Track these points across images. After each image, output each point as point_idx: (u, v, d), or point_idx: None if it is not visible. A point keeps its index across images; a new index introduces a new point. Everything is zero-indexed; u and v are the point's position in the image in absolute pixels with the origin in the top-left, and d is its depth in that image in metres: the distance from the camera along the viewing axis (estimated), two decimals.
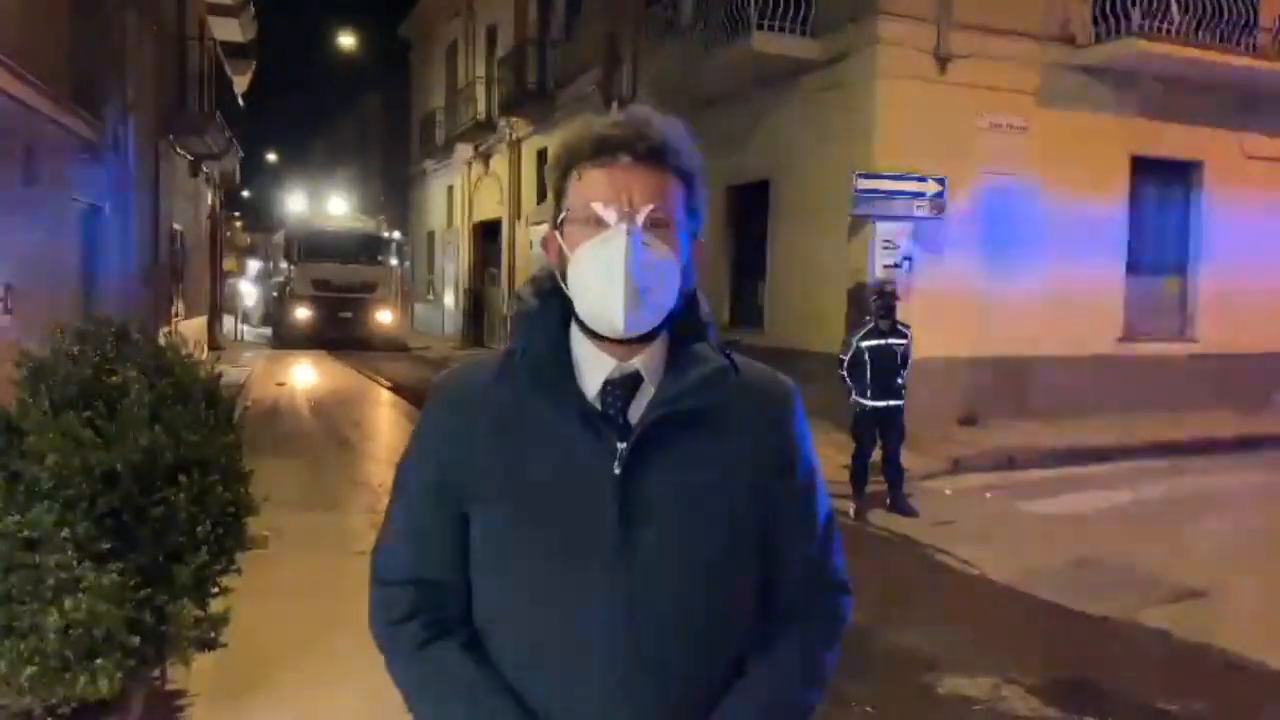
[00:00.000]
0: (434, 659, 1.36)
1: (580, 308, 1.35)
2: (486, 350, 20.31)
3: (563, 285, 1.37)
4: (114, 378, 3.60)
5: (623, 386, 1.36)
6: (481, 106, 24.44)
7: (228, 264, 32.16)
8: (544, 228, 1.46)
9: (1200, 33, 11.83)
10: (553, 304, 1.40)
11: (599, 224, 1.32)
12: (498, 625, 1.37)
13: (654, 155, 1.33)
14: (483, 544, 1.37)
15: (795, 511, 1.44)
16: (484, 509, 1.36)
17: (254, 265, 39.70)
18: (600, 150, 1.33)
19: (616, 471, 1.31)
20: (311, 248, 25.92)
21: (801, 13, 11.80)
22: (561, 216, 1.37)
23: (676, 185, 1.35)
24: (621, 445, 1.32)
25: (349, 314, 25.41)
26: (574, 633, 1.31)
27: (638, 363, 1.36)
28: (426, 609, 1.39)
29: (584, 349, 1.37)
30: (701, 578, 1.34)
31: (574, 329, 1.39)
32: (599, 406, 1.35)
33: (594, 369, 1.36)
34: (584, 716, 1.31)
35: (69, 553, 3.23)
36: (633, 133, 1.33)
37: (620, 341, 1.34)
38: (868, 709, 4.32)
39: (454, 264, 28.41)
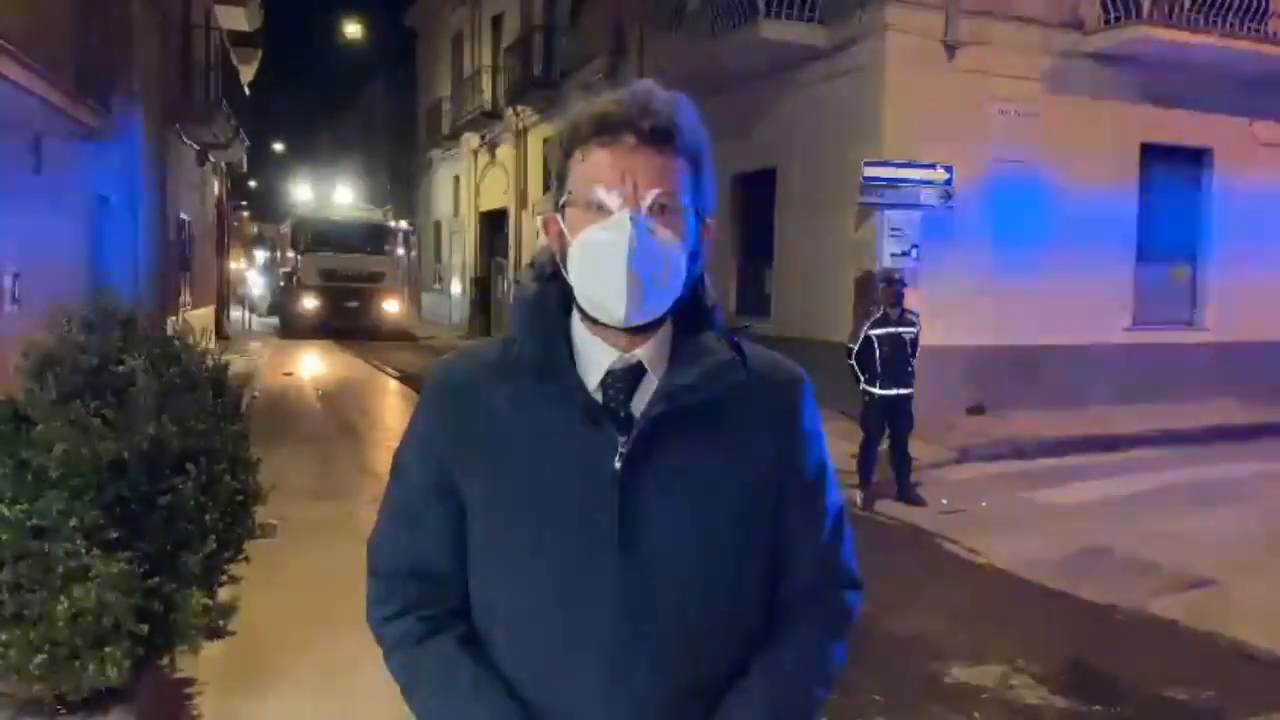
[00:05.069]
0: (430, 655, 1.34)
1: (581, 296, 1.29)
2: (492, 337, 20.31)
3: (563, 270, 1.31)
4: (121, 367, 3.60)
5: (625, 378, 1.31)
6: (487, 95, 24.41)
7: (234, 255, 32.20)
8: None
9: (1210, 18, 11.73)
10: (552, 290, 1.34)
11: (601, 209, 1.26)
12: (496, 620, 1.34)
13: (659, 135, 1.26)
14: (480, 538, 1.34)
15: (804, 506, 1.39)
16: (481, 502, 1.33)
17: (261, 255, 39.77)
18: (602, 129, 1.27)
19: (617, 466, 1.27)
20: (318, 237, 25.97)
21: None
22: (563, 199, 1.31)
23: (683, 166, 1.29)
24: (622, 439, 1.28)
25: (356, 303, 25.46)
26: (574, 629, 1.28)
27: (641, 353, 1.31)
28: (423, 603, 1.36)
29: (585, 337, 1.32)
30: (704, 574, 1.30)
31: (574, 316, 1.33)
32: (600, 398, 1.30)
33: (595, 359, 1.31)
34: (584, 713, 1.28)
35: (77, 541, 3.24)
36: (637, 111, 1.27)
37: (623, 330, 1.29)
38: (875, 698, 4.31)
39: (460, 253, 28.43)
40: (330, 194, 33.38)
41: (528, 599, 1.30)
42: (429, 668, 1.34)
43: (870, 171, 10.81)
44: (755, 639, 1.36)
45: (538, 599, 1.30)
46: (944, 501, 8.03)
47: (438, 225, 31.65)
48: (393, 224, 28.72)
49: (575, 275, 1.29)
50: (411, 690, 1.37)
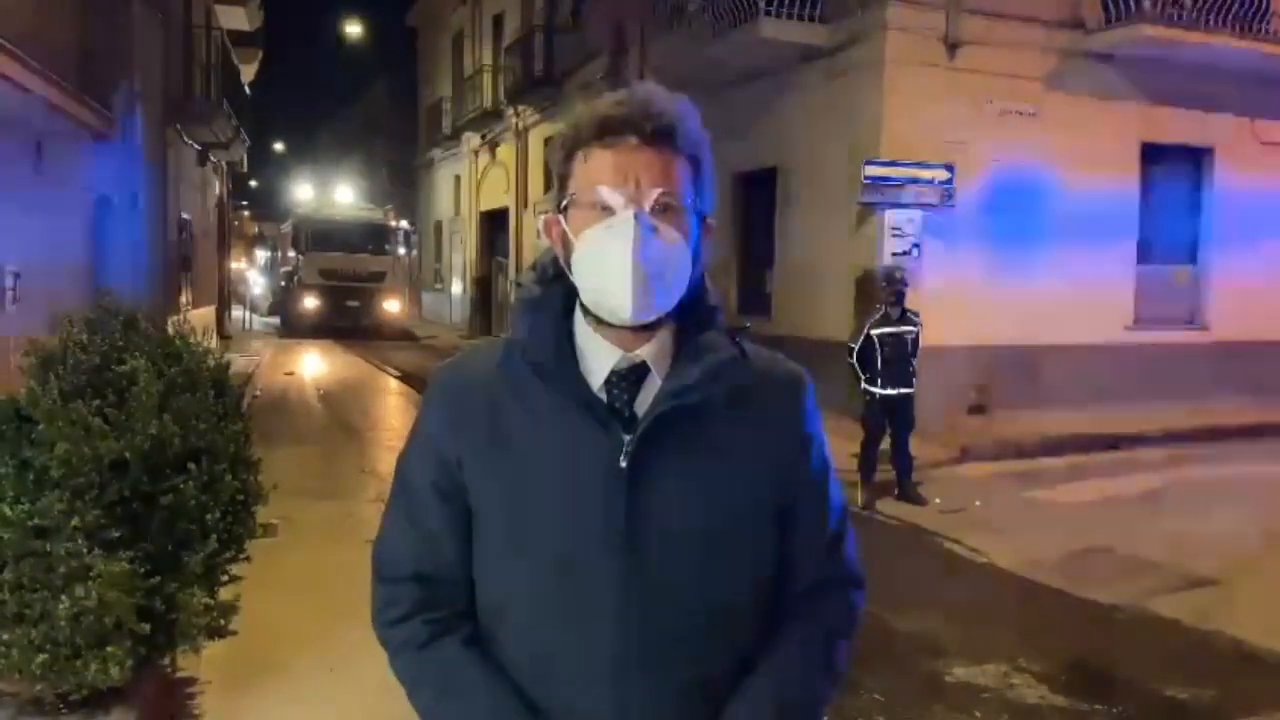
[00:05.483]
0: (436, 657, 1.34)
1: (585, 295, 1.31)
2: (494, 339, 20.38)
3: (566, 271, 1.33)
4: (123, 366, 3.61)
5: (629, 377, 1.32)
6: (488, 95, 24.41)
7: (235, 254, 32.21)
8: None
9: (1211, 18, 11.72)
10: (555, 290, 1.35)
11: (605, 209, 1.27)
12: (501, 621, 1.34)
13: (661, 136, 1.28)
14: (485, 538, 1.35)
15: (806, 505, 1.40)
16: (486, 503, 1.34)
17: (262, 254, 39.78)
18: (605, 131, 1.28)
19: (622, 465, 1.28)
20: (319, 237, 25.99)
21: None
22: (565, 201, 1.32)
23: (685, 166, 1.30)
24: (627, 438, 1.28)
25: (356, 303, 25.49)
26: (579, 629, 1.28)
27: (644, 352, 1.32)
28: (428, 606, 1.37)
29: (588, 337, 1.33)
30: (709, 573, 1.30)
31: (578, 316, 1.34)
32: (604, 398, 1.31)
33: (598, 358, 1.32)
34: (589, 713, 1.29)
35: (79, 541, 3.24)
36: (639, 112, 1.28)
37: (626, 329, 1.30)
38: (876, 697, 4.32)
39: (461, 253, 28.43)
40: (331, 194, 33.38)
41: (533, 599, 1.31)
42: (434, 670, 1.35)
43: (870, 171, 10.81)
44: (759, 638, 1.36)
45: (543, 599, 1.30)
46: (937, 500, 8.03)
47: (438, 225, 31.64)
48: (393, 223, 28.71)
49: (581, 275, 1.30)
50: (417, 693, 1.37)
